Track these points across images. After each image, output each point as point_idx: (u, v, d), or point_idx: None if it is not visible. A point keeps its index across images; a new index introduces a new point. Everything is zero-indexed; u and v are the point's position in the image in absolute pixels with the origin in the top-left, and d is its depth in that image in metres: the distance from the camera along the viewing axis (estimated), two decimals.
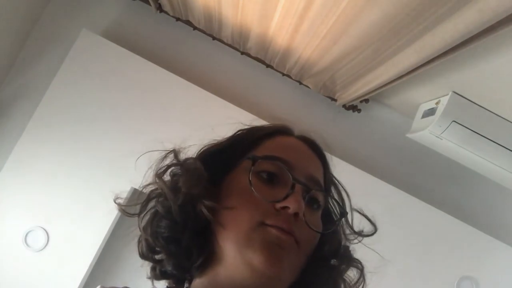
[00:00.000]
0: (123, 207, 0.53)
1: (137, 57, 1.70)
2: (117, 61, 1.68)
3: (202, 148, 0.56)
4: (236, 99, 1.88)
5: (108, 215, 1.64)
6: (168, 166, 0.52)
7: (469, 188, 2.11)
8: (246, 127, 0.59)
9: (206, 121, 1.74)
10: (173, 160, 0.52)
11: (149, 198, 0.51)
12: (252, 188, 0.48)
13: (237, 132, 0.58)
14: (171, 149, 0.53)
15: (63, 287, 1.60)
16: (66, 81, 1.65)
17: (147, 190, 0.52)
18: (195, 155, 0.55)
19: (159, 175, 0.51)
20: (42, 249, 1.59)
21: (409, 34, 1.21)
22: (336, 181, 0.58)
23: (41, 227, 1.60)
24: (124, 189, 1.65)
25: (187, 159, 0.52)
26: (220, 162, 0.53)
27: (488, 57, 1.29)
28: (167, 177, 0.52)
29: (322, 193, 0.52)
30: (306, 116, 2.02)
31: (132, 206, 0.52)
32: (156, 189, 0.51)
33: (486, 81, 1.43)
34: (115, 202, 0.54)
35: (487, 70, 1.36)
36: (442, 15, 1.06)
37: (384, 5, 1.13)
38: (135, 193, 1.74)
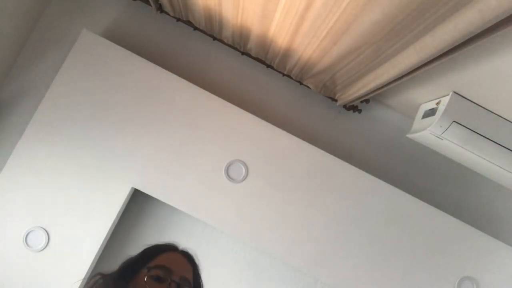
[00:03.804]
0: None
1: (138, 57, 1.70)
2: (117, 61, 1.68)
3: (123, 261, 0.87)
4: (236, 99, 1.88)
5: (108, 215, 1.65)
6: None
7: (469, 188, 2.11)
8: (150, 245, 0.91)
9: (206, 121, 1.74)
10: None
11: None
12: (147, 286, 0.79)
13: (144, 249, 0.90)
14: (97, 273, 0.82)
15: (63, 287, 1.60)
16: (66, 81, 1.65)
17: None
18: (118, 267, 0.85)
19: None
20: (42, 249, 1.60)
21: (410, 34, 1.21)
22: (200, 279, 0.91)
23: (41, 227, 1.60)
24: (124, 189, 1.66)
25: (100, 277, 0.81)
26: (131, 270, 0.84)
27: (489, 57, 1.29)
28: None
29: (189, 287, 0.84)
30: (306, 117, 2.03)
31: None
32: None
33: (487, 81, 1.43)
34: None
35: (487, 70, 1.36)
36: (443, 15, 1.06)
37: (384, 5, 1.13)
38: (135, 193, 1.74)
